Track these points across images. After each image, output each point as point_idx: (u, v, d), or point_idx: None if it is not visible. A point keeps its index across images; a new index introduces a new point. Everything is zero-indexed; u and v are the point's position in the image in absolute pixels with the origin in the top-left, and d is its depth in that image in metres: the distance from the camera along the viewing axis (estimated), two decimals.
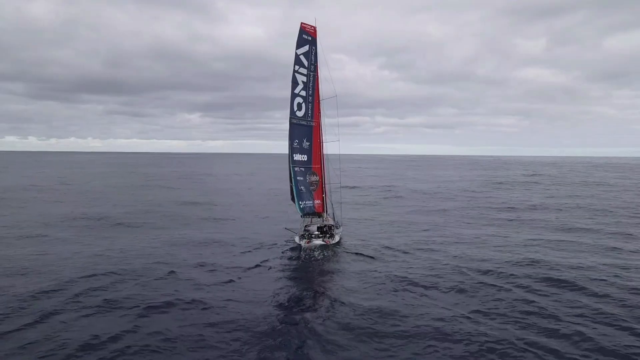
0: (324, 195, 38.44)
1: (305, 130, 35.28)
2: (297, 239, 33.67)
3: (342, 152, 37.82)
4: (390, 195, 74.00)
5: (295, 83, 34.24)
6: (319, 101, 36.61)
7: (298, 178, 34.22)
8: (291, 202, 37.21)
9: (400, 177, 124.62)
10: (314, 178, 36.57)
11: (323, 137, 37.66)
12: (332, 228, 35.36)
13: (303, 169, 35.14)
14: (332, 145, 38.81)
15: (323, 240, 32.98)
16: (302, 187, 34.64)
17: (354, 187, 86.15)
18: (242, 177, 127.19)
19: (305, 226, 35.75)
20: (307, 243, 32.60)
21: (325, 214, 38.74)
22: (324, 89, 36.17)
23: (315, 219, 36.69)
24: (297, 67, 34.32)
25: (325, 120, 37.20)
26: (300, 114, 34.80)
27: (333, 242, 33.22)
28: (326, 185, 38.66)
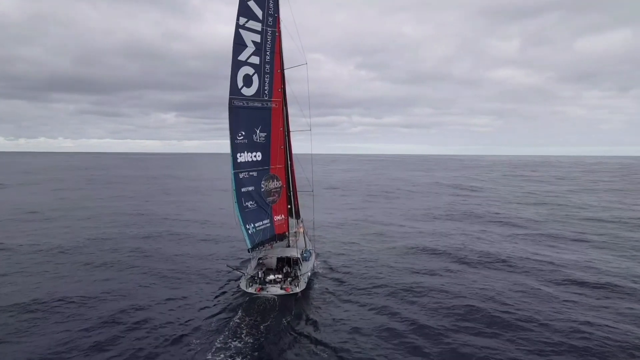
0: (289, 206, 27.10)
1: (258, 115, 23.59)
2: (242, 283, 22.06)
3: (316, 151, 26.42)
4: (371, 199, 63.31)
5: (240, 45, 22.18)
6: (281, 71, 24.87)
7: (244, 190, 22.55)
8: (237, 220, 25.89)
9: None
10: (274, 184, 25.09)
11: (287, 124, 26.24)
12: (299, 263, 23.92)
13: (255, 174, 23.55)
14: (300, 139, 27.40)
15: (282, 288, 21.52)
16: (251, 203, 23.02)
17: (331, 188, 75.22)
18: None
19: (259, 259, 24.31)
20: (258, 291, 21.25)
21: (297, 224, 27.51)
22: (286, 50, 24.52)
23: (277, 244, 25.39)
24: (242, 20, 22.19)
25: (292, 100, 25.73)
26: (249, 91, 22.97)
27: (298, 290, 21.58)
28: (296, 191, 27.47)
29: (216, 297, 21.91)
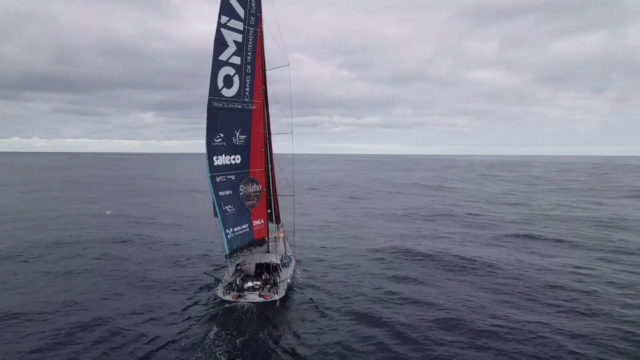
0: (269, 211, 26.00)
1: (238, 117, 22.48)
2: (219, 291, 20.89)
3: (297, 151, 25.46)
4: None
5: (221, 44, 21.10)
6: (262, 72, 23.74)
7: (221, 193, 21.38)
8: (216, 219, 24.43)
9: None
10: (253, 188, 23.94)
11: (268, 126, 25.19)
12: (278, 269, 22.82)
13: (233, 178, 22.37)
14: (281, 140, 26.38)
15: (260, 296, 20.45)
16: (229, 207, 21.86)
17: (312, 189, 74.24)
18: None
19: (238, 264, 23.09)
20: (236, 299, 20.08)
21: (277, 229, 26.61)
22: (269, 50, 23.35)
23: (256, 249, 24.22)
24: (224, 19, 21.18)
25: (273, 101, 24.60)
26: (229, 92, 21.83)
27: (277, 297, 20.58)
28: (276, 195, 26.41)
29: (187, 308, 20.52)
